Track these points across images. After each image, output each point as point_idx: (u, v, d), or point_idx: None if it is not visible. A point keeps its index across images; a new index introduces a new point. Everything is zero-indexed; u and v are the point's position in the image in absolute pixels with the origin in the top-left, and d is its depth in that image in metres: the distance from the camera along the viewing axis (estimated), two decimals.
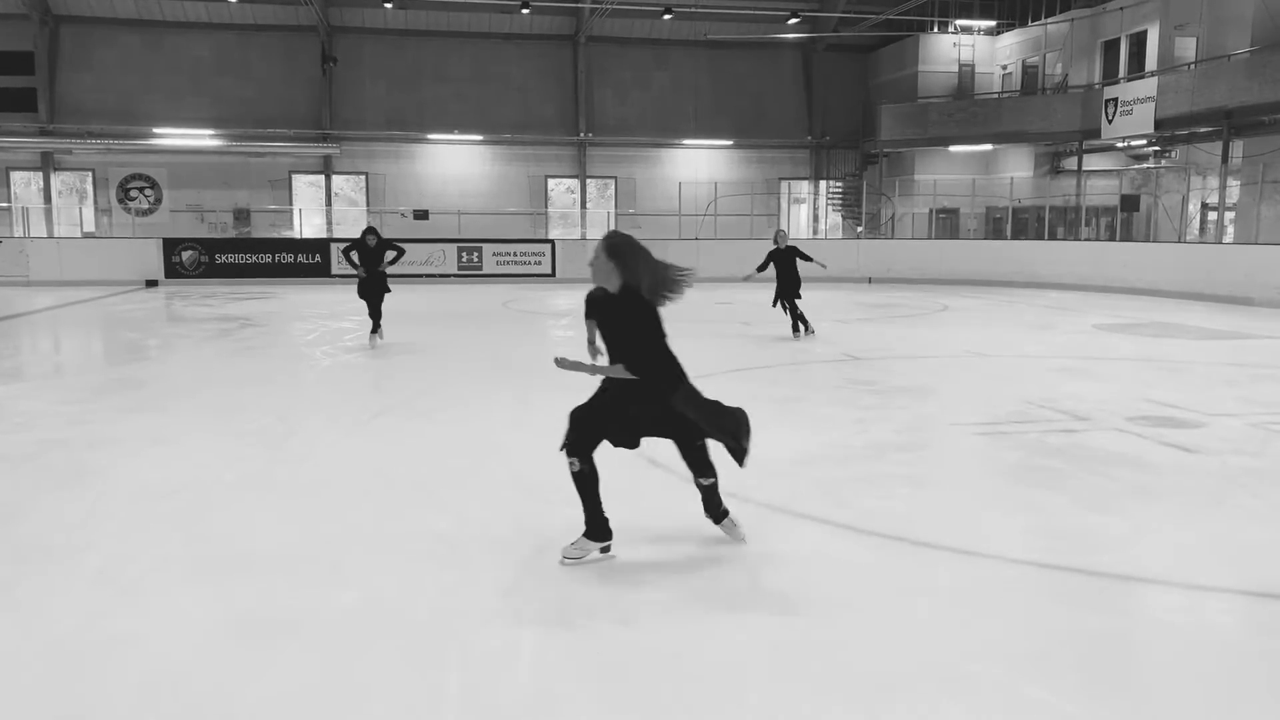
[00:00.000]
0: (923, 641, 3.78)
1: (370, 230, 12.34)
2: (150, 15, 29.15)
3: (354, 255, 12.14)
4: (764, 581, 4.42)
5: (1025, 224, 27.99)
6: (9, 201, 28.65)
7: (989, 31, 30.84)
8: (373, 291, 12.18)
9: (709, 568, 4.57)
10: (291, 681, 3.43)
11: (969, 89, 30.55)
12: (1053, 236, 26.42)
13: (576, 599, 4.18)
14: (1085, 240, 25.98)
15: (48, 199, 29.20)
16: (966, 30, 30.73)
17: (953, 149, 30.03)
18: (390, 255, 12.30)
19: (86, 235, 28.24)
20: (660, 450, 6.52)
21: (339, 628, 3.86)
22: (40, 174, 29.29)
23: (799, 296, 13.20)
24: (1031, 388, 9.27)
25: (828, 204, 32.88)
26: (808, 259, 13.22)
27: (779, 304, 13.18)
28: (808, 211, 33.84)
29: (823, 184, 33.16)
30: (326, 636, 3.79)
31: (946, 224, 30.22)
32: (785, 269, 13.08)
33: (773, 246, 13.30)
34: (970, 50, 30.67)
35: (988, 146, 29.73)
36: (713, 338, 12.84)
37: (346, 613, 4.01)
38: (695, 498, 4.91)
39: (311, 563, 4.59)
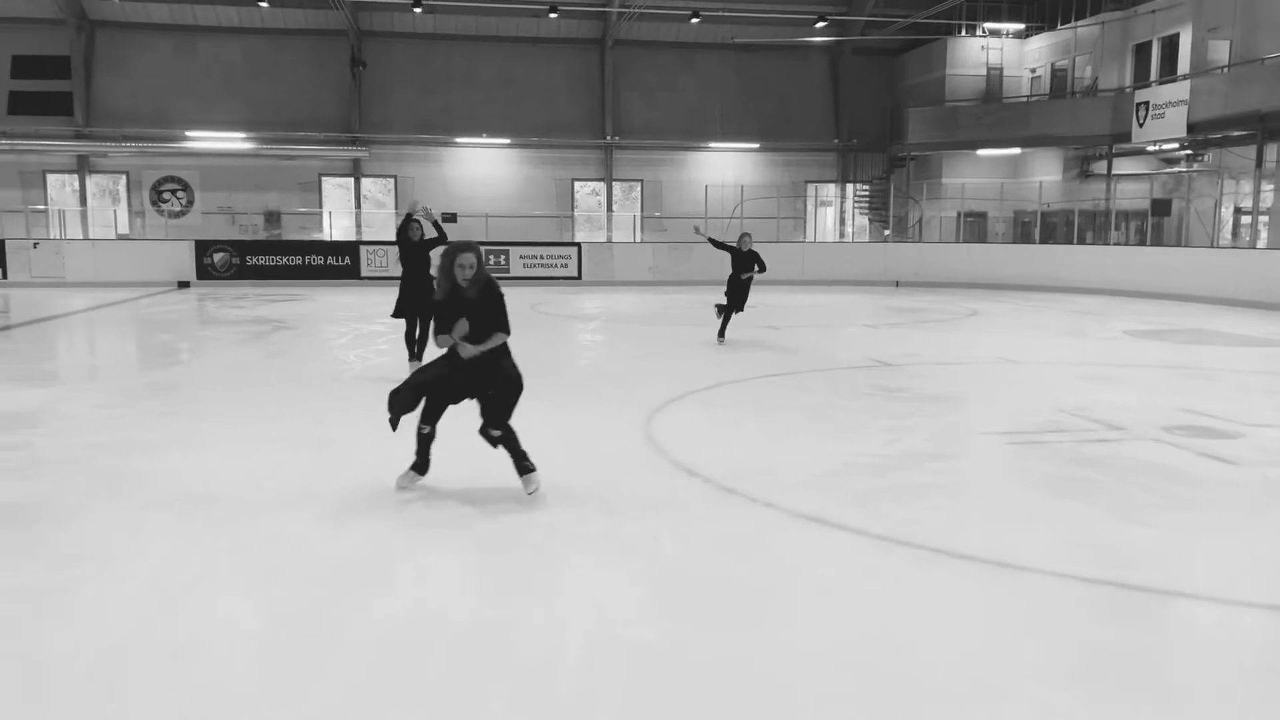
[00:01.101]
0: (959, 655, 3.80)
1: (415, 221, 10.05)
2: (183, 20, 29.49)
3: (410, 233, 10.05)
4: (798, 593, 4.45)
5: (1054, 228, 27.80)
6: (45, 204, 29.06)
7: (1017, 35, 30.66)
8: (420, 304, 9.82)
9: (742, 577, 4.60)
10: (339, 690, 3.49)
11: (997, 92, 30.39)
12: (1082, 241, 26.23)
13: (617, 608, 4.22)
14: (1115, 245, 25.78)
15: (83, 201, 29.60)
16: (995, 33, 30.57)
17: (980, 152, 29.88)
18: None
19: (120, 237, 28.59)
20: (698, 459, 6.58)
21: (385, 636, 3.92)
22: (76, 176, 29.70)
23: (743, 308, 12.90)
24: (1064, 395, 9.23)
25: (854, 207, 32.81)
26: (762, 268, 12.81)
27: (727, 306, 12.79)
28: (834, 214, 33.76)
29: (849, 187, 33.08)
30: (373, 644, 3.85)
31: (974, 228, 30.07)
32: (742, 268, 12.71)
33: (736, 244, 12.90)
34: (998, 53, 30.50)
35: (1016, 150, 29.57)
36: (740, 342, 12.83)
37: (392, 620, 4.07)
38: (728, 510, 4.95)
39: (355, 571, 4.66)
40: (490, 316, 5.67)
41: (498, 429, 5.73)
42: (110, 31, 29.44)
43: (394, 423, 5.83)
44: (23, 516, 5.42)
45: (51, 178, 29.75)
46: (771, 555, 4.90)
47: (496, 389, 5.69)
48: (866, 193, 32.53)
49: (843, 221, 33.44)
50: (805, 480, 6.21)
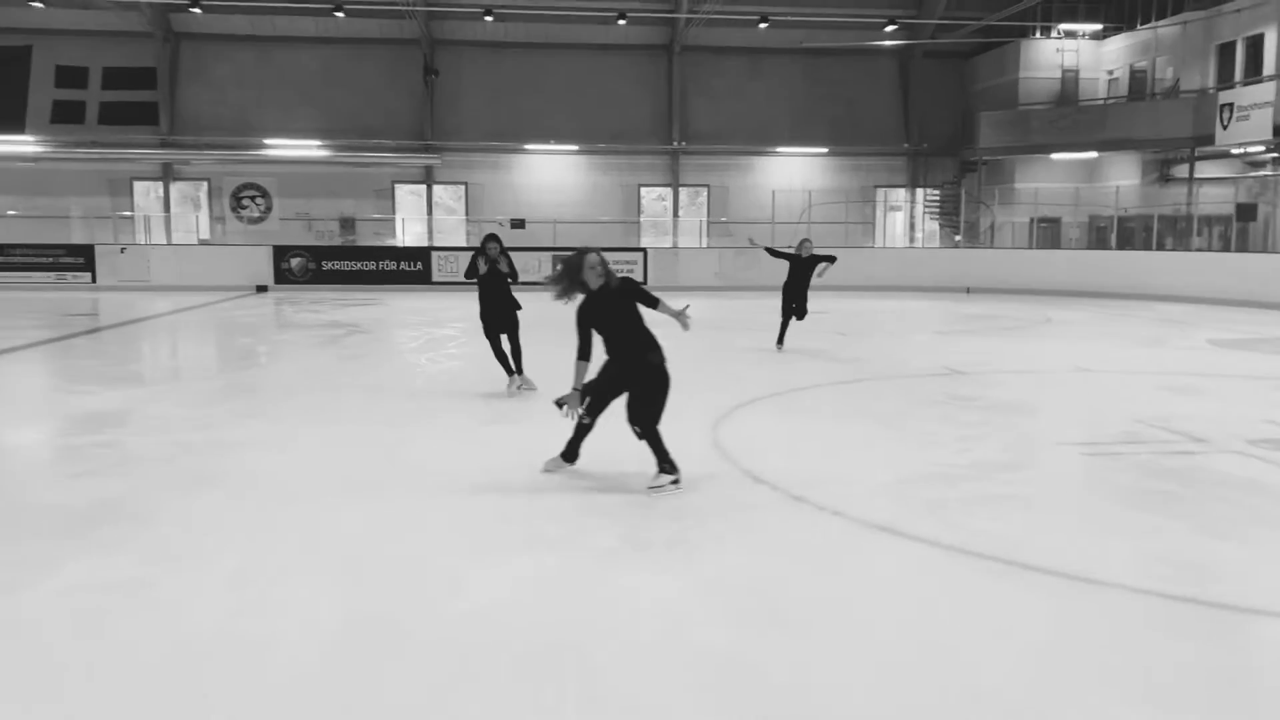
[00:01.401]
0: (1032, 670, 3.75)
1: (492, 238, 9.58)
2: (263, 31, 30.31)
3: (479, 262, 9.43)
4: (871, 603, 4.43)
5: (1132, 234, 27.11)
6: (132, 210, 30.10)
7: (1094, 36, 29.98)
8: (505, 319, 9.40)
9: (811, 587, 4.60)
10: (411, 689, 3.58)
11: (1072, 95, 29.75)
12: (1161, 247, 25.53)
13: (685, 615, 4.25)
14: (1197, 251, 25.05)
15: (166, 207, 30.57)
16: (1070, 35, 29.93)
17: (1055, 157, 29.27)
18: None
19: (202, 242, 29.44)
20: (766, 466, 6.57)
21: (455, 637, 4.00)
22: (160, 183, 30.68)
23: (805, 314, 12.74)
24: (1142, 406, 9.02)
25: (924, 212, 32.38)
26: (829, 260, 12.69)
27: (785, 314, 12.68)
28: (904, 219, 33.37)
29: (919, 192, 32.67)
30: (443, 645, 3.93)
31: (1048, 233, 29.46)
32: (800, 276, 12.59)
33: (796, 250, 12.80)
34: (1074, 55, 29.84)
35: (1092, 154, 28.91)
36: (809, 349, 12.76)
37: (462, 622, 4.15)
38: (797, 519, 4.93)
39: (428, 570, 4.76)
40: (641, 297, 6.06)
41: (639, 427, 6.05)
42: (194, 43, 30.38)
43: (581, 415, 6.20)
44: (112, 512, 5.63)
45: (138, 185, 30.77)
46: (841, 565, 4.89)
47: (640, 386, 6.03)
48: (937, 198, 32.08)
49: (912, 227, 33.04)
50: (875, 489, 6.17)
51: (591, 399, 6.11)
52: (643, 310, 6.05)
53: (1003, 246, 28.31)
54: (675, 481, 6.01)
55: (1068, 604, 4.42)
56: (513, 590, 4.51)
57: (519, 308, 9.43)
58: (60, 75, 29.69)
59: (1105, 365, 11.94)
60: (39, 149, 29.33)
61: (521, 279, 9.43)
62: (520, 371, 9.44)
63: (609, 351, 6.16)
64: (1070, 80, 29.84)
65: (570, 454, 6.39)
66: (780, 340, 12.75)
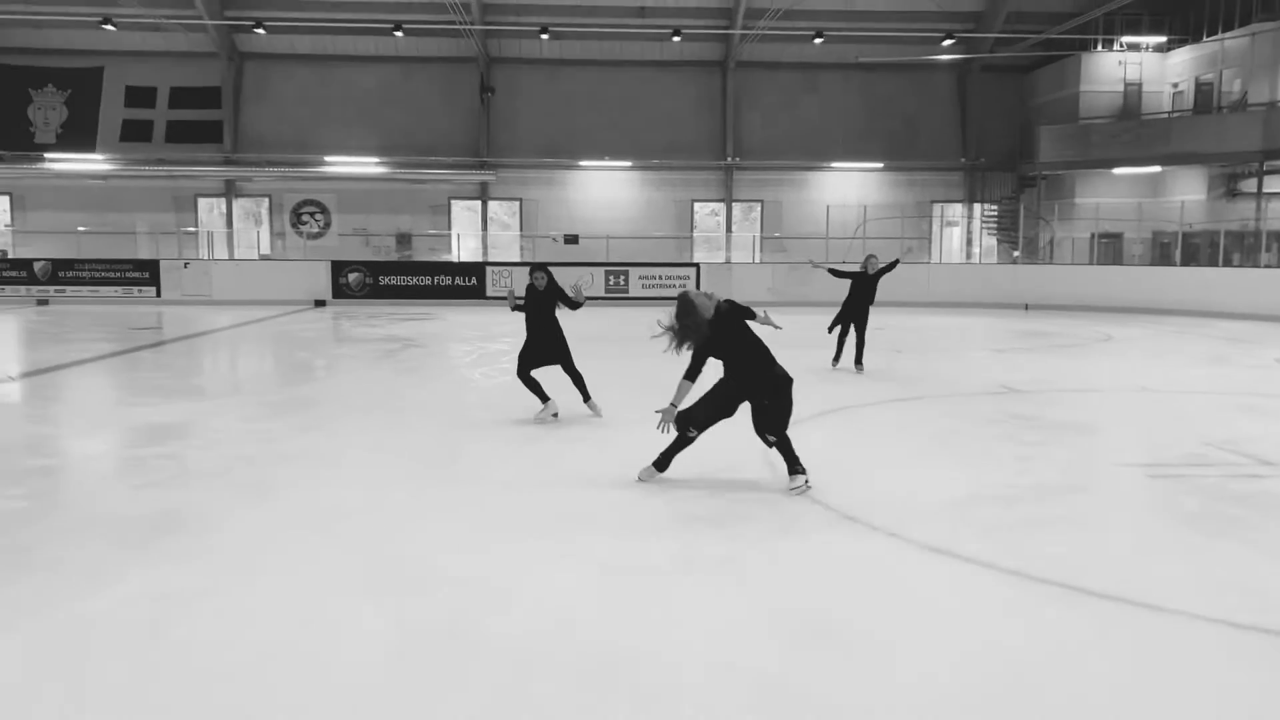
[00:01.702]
0: (1100, 700, 3.65)
1: (540, 269, 9.07)
2: (324, 50, 30.94)
3: (520, 301, 9.14)
4: (927, 628, 4.35)
5: (1197, 250, 26.48)
6: (196, 226, 30.85)
7: (1158, 48, 29.41)
8: (554, 351, 8.97)
9: (865, 609, 4.53)
10: (465, 705, 3.59)
11: (1135, 108, 29.19)
12: (1228, 263, 24.90)
13: (737, 635, 4.21)
14: (1265, 268, 24.39)
15: (229, 223, 31.29)
16: (1133, 48, 29.40)
17: (1117, 171, 28.72)
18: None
19: (263, 257, 30.04)
20: (820, 485, 6.50)
21: (505, 654, 4.01)
22: (223, 200, 31.41)
23: (865, 327, 12.43)
24: (1208, 427, 8.79)
25: (982, 227, 31.96)
26: (890, 267, 12.68)
27: (839, 329, 12.43)
28: (961, 235, 32.97)
29: (977, 207, 32.25)
30: (494, 662, 3.94)
31: (1109, 249, 28.89)
32: (862, 293, 12.32)
33: (857, 269, 12.59)
34: (1137, 68, 29.29)
35: (1156, 168, 28.31)
36: (866, 367, 12.63)
37: (512, 639, 4.16)
38: (851, 539, 4.86)
39: (481, 585, 4.77)
40: (746, 313, 6.42)
41: (775, 435, 6.40)
42: (257, 63, 31.10)
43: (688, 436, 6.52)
44: (173, 524, 5.74)
45: (202, 201, 31.52)
46: (896, 587, 4.81)
47: (771, 398, 6.35)
48: (995, 213, 31.66)
49: (970, 242, 32.61)
50: (931, 510, 6.08)
51: (705, 415, 6.41)
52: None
53: (1062, 262, 27.83)
54: (807, 482, 6.38)
55: (1132, 631, 4.30)
56: (564, 609, 4.51)
57: (567, 354, 8.97)
58: (130, 95, 30.58)
59: (1169, 385, 11.66)
60: (108, 167, 30.22)
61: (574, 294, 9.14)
62: (589, 398, 9.05)
63: (730, 370, 6.40)
64: (1133, 94, 29.30)
65: (663, 464, 6.68)
66: (859, 360, 12.32)
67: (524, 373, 8.96)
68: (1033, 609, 4.55)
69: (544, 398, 9.02)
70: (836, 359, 12.52)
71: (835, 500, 6.24)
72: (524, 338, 9.04)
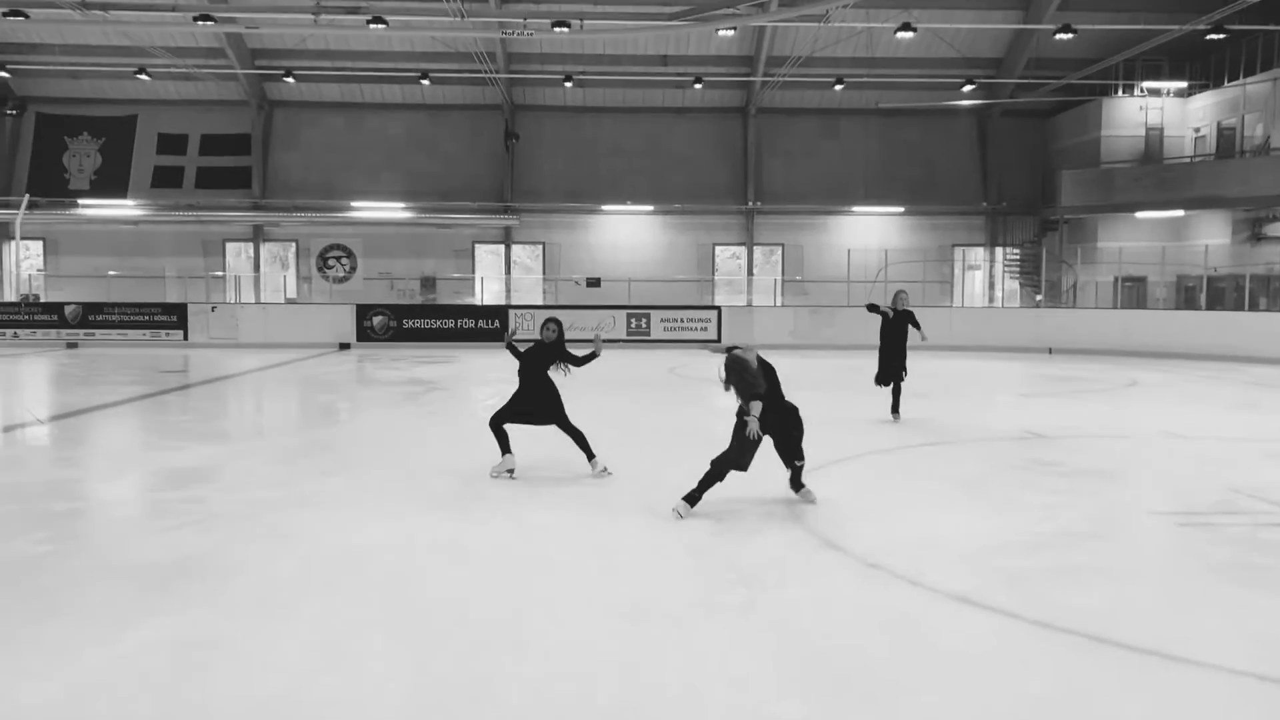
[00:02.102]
0: None
1: (553, 322, 8.68)
2: (352, 98, 31.51)
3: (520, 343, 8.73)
4: (951, 679, 4.29)
5: (1222, 294, 26.29)
6: (223, 270, 31.27)
7: (1179, 93, 29.46)
8: (538, 409, 8.45)
9: (888, 659, 4.48)
10: None
11: (1157, 153, 29.18)
12: (1254, 307, 24.71)
13: (756, 685, 4.17)
14: None
15: (256, 267, 31.70)
16: (1154, 93, 29.46)
17: (1139, 215, 28.65)
18: (565, 367, 8.70)
19: (288, 301, 30.39)
20: (842, 531, 6.46)
21: (525, 701, 3.99)
22: (251, 244, 31.85)
23: (904, 373, 11.94)
24: (1238, 474, 8.67)
25: (1004, 271, 31.91)
26: (916, 325, 12.02)
27: (884, 381, 11.85)
28: (983, 279, 32.91)
29: (999, 251, 32.24)
30: (513, 710, 3.92)
31: (1133, 293, 28.74)
32: (896, 334, 11.81)
33: (887, 307, 11.97)
34: (1158, 113, 29.33)
35: (1179, 212, 28.22)
36: (886, 410, 12.56)
37: (532, 687, 4.14)
38: (873, 586, 4.82)
39: (500, 631, 4.76)
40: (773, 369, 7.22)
41: (800, 459, 7.34)
42: (287, 110, 31.69)
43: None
44: (196, 568, 5.77)
45: (230, 246, 31.98)
46: (919, 636, 4.75)
47: (796, 427, 7.31)
48: (1017, 257, 31.62)
49: (992, 286, 32.55)
50: (955, 557, 6.02)
51: (742, 455, 6.93)
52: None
53: (1086, 306, 27.71)
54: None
55: (1162, 685, 4.23)
56: (584, 653, 4.49)
57: (560, 410, 8.46)
58: (162, 142, 31.23)
59: (1196, 430, 11.52)
60: (139, 212, 30.77)
61: (581, 334, 8.82)
62: (593, 456, 8.46)
63: (768, 407, 6.92)
64: (1155, 138, 29.31)
65: (695, 499, 7.01)
66: (895, 409, 11.83)
67: (497, 423, 8.39)
68: (1059, 660, 4.48)
69: (505, 449, 8.39)
70: (896, 408, 11.87)
71: (858, 547, 6.19)
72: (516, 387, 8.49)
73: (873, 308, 12.26)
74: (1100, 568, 5.92)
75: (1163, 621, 4.96)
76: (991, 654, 4.55)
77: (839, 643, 4.67)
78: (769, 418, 6.95)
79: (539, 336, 8.56)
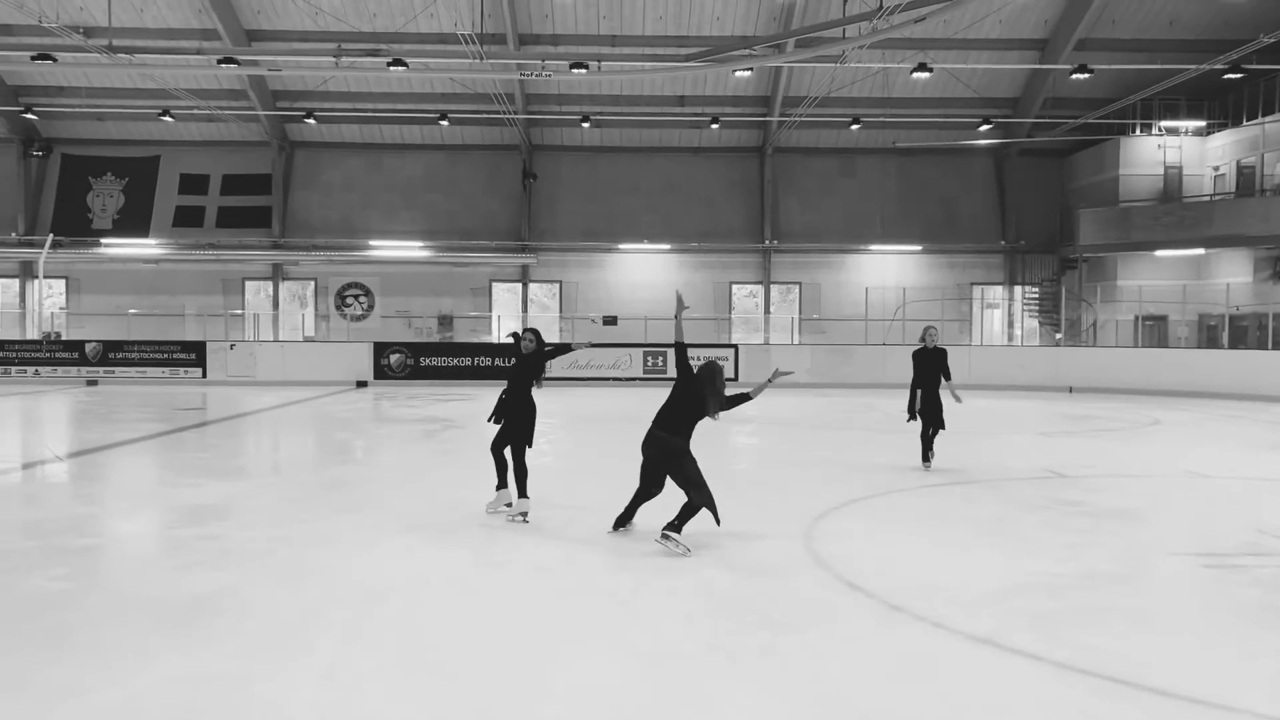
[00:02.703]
0: None
1: (530, 331, 8.72)
2: (372, 139, 31.90)
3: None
4: None
5: (1244, 332, 26.09)
6: (242, 308, 31.53)
7: (1197, 132, 29.46)
8: (511, 424, 8.28)
9: (910, 703, 4.40)
10: None
11: (1176, 191, 29.12)
12: (1277, 346, 24.49)
13: None
14: None
15: (275, 305, 31.95)
16: (1172, 132, 29.46)
17: (1159, 254, 28.55)
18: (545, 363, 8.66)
19: (306, 339, 30.56)
20: (862, 572, 6.38)
21: None
22: (270, 283, 32.13)
23: (942, 426, 11.07)
24: (1264, 514, 8.54)
25: (1023, 310, 31.81)
26: (947, 376, 11.18)
27: (919, 419, 11.09)
28: (1002, 317, 32.81)
29: (1018, 289, 32.16)
30: None
31: (1154, 332, 28.57)
32: (928, 374, 11.04)
33: (918, 345, 11.26)
34: (1177, 152, 29.31)
35: (1199, 251, 28.11)
36: (905, 450, 12.47)
37: None
38: (894, 629, 4.75)
39: (515, 672, 4.71)
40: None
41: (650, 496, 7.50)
42: (307, 151, 32.09)
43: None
44: (211, 605, 5.74)
45: (249, 284, 32.26)
46: (941, 679, 4.67)
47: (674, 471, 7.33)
48: (1036, 295, 31.52)
49: (1011, 324, 32.43)
50: (976, 599, 5.93)
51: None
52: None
53: (1106, 345, 27.56)
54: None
55: None
56: (602, 696, 4.42)
57: (528, 433, 8.22)
58: (184, 182, 31.65)
59: (1221, 470, 11.37)
60: (161, 251, 31.12)
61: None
62: (523, 494, 8.18)
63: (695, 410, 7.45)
64: (1173, 177, 29.27)
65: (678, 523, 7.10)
66: (925, 457, 11.11)
67: (498, 448, 8.40)
68: (1083, 703, 4.38)
69: (502, 482, 8.37)
70: (927, 455, 11.09)
71: (878, 588, 6.11)
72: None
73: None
74: (1123, 609, 5.81)
75: (1188, 664, 4.85)
76: (1014, 697, 4.46)
77: (860, 686, 4.59)
78: (651, 448, 7.34)
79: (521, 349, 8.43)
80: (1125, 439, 14.71)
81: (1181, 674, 4.68)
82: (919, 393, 11.10)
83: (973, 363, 24.66)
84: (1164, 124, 29.50)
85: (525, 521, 8.08)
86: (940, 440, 11.35)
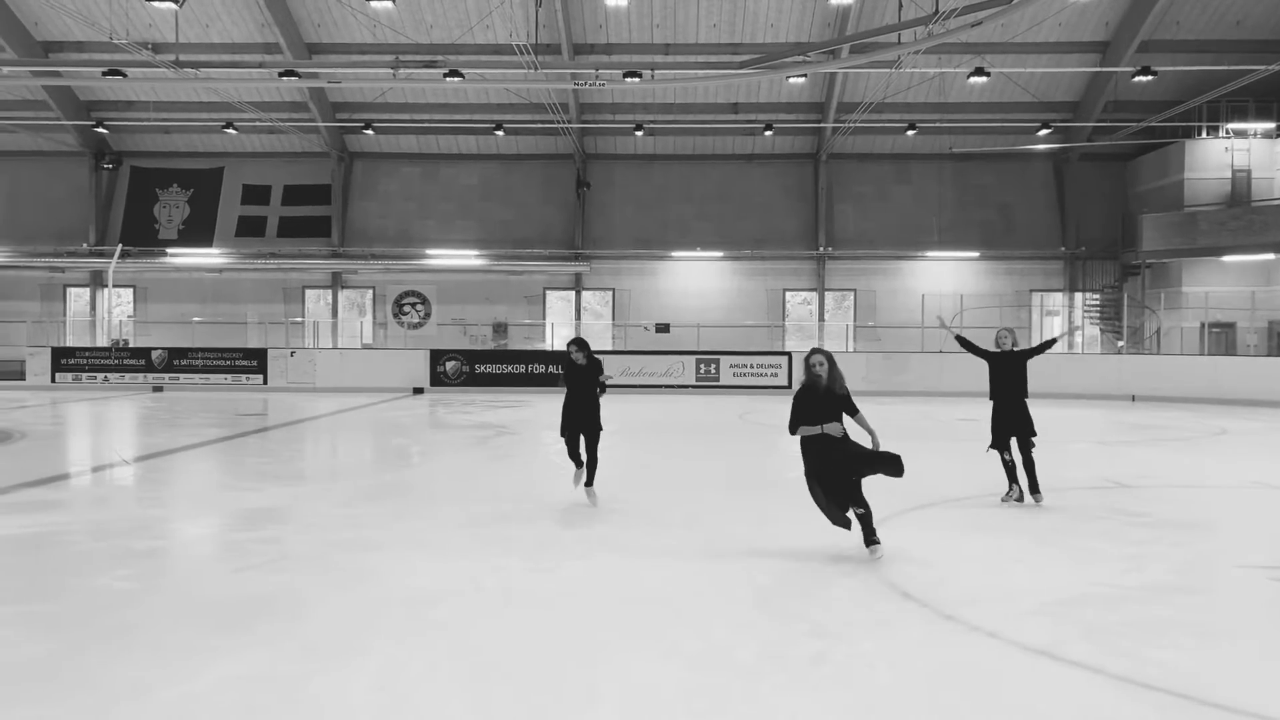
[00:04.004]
0: None
1: (577, 343, 9.27)
2: (429, 150, 32.36)
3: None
4: None
5: None
6: (302, 316, 32.13)
7: (1267, 134, 28.69)
8: (586, 420, 9.10)
9: (963, 715, 4.33)
10: None
11: (1244, 195, 28.37)
12: None
13: None
14: None
15: (334, 314, 32.52)
16: (1240, 134, 28.73)
17: (1226, 259, 27.84)
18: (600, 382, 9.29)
19: (365, 346, 31.07)
20: (916, 581, 6.31)
21: None
22: (329, 291, 32.71)
23: (1034, 435, 9.31)
24: None
25: (1084, 317, 31.21)
26: (1046, 346, 9.79)
27: (1001, 445, 9.34)
28: (1062, 324, 32.22)
29: (1078, 296, 31.56)
30: None
31: (1221, 339, 27.84)
32: (1009, 382, 9.30)
33: (995, 349, 9.61)
34: (1245, 154, 28.57)
35: (1269, 255, 27.36)
36: (961, 458, 12.32)
37: None
38: (948, 639, 4.68)
39: (567, 679, 4.72)
40: (846, 403, 7.11)
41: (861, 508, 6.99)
42: (366, 161, 32.64)
43: (845, 522, 7.01)
44: (267, 608, 5.85)
45: (309, 293, 32.87)
46: (995, 691, 4.59)
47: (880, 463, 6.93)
48: (1097, 302, 30.91)
49: (1071, 332, 31.80)
50: (1032, 609, 5.82)
51: (834, 491, 7.02)
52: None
53: (1170, 353, 26.93)
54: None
55: None
56: (653, 703, 4.42)
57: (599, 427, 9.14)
58: (246, 193, 32.38)
59: None
60: (224, 260, 31.84)
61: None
62: (590, 483, 9.20)
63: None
64: (1241, 180, 28.53)
65: (871, 536, 7.04)
66: (1012, 482, 9.32)
67: (568, 433, 9.22)
68: (1144, 718, 4.28)
69: (579, 462, 9.27)
70: (1013, 485, 9.32)
71: (933, 597, 6.03)
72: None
73: (964, 342, 9.95)
74: (1187, 622, 5.67)
75: (1254, 679, 4.72)
76: (1072, 710, 4.37)
77: (913, 695, 4.54)
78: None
79: (574, 361, 9.17)
80: (1190, 449, 14.35)
81: (1248, 689, 4.55)
82: (999, 403, 9.36)
83: (1031, 370, 24.22)
84: (1231, 126, 28.78)
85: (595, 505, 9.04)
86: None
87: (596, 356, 9.32)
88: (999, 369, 9.36)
